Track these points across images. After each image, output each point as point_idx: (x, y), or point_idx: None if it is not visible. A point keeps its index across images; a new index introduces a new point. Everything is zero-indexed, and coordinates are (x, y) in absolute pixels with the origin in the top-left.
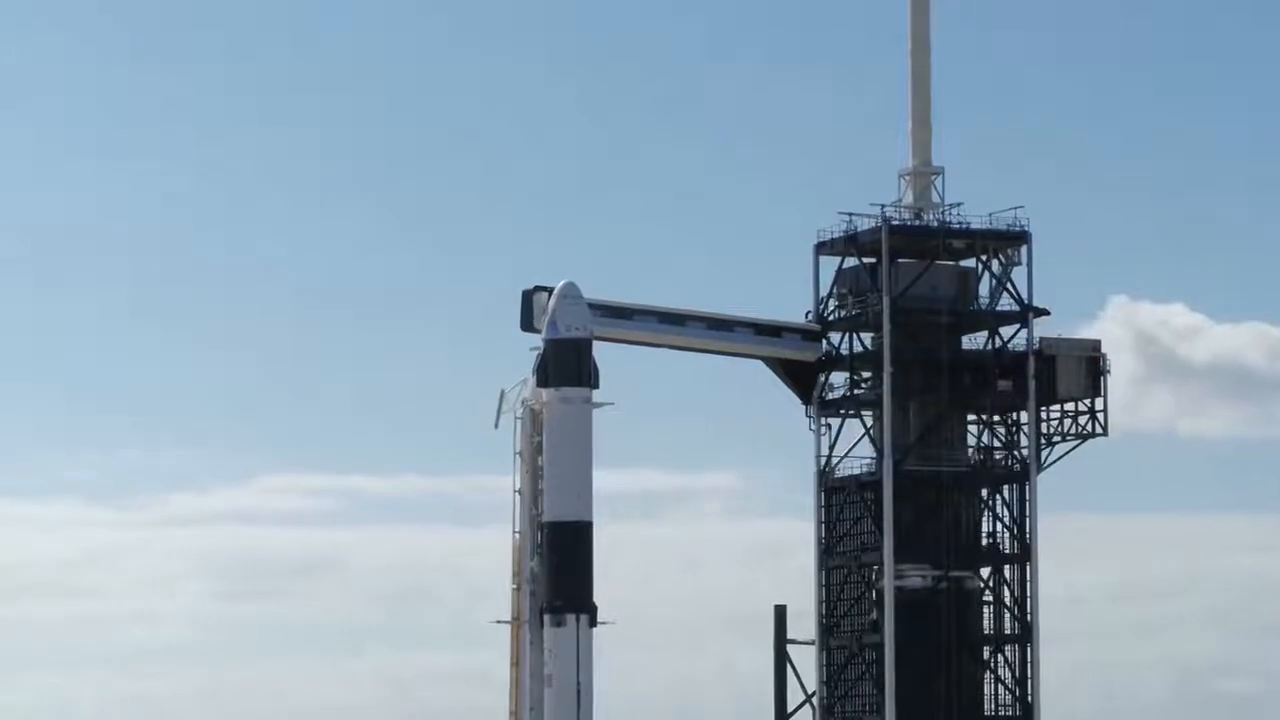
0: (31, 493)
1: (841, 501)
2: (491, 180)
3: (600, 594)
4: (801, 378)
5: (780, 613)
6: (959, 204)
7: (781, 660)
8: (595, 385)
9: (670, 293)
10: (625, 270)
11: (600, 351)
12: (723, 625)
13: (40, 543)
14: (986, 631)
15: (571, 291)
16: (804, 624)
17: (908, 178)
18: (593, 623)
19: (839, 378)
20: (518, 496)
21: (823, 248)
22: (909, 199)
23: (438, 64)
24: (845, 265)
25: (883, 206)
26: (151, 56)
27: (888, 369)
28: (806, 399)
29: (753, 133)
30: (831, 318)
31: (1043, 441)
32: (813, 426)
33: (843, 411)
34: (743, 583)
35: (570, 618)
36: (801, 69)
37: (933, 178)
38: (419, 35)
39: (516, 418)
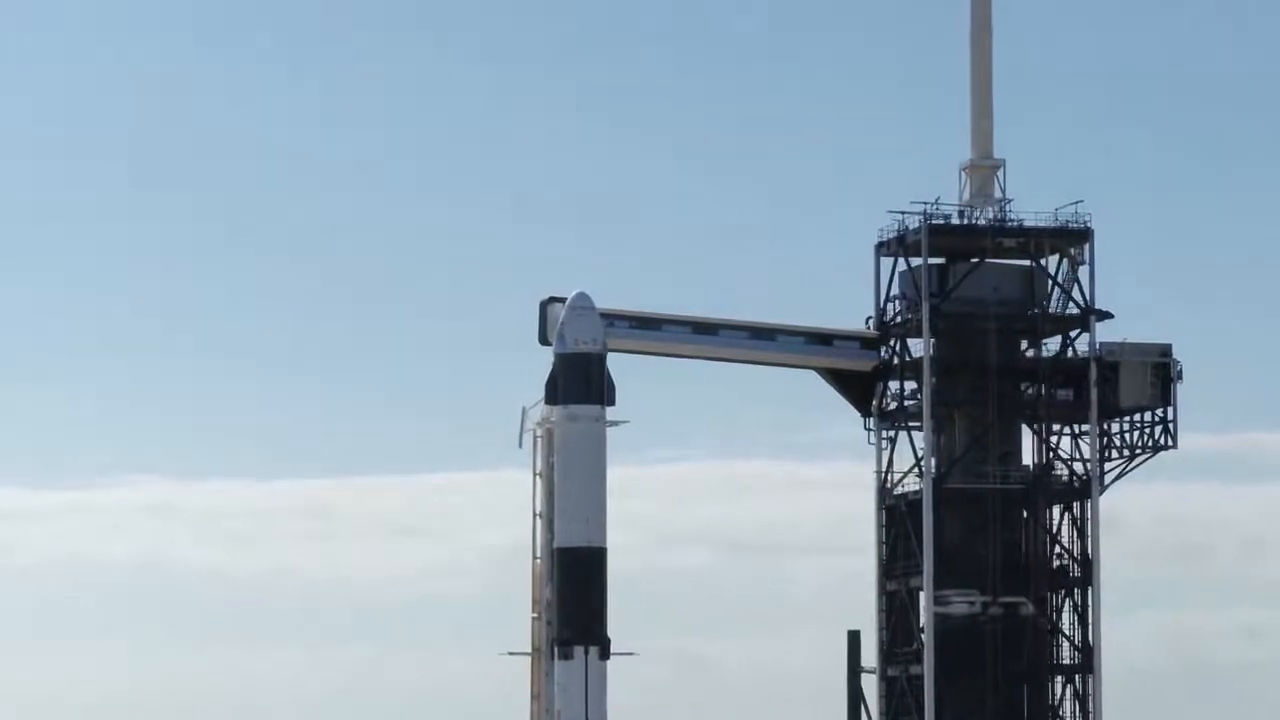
0: None
1: (896, 520)
2: (524, 184)
3: None
4: (858, 388)
5: (854, 638)
6: (1010, 200)
7: (855, 689)
8: (610, 402)
9: (728, 301)
10: (667, 279)
11: (630, 365)
12: None
13: None
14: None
15: (582, 303)
16: None
17: (967, 171)
18: (604, 655)
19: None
20: (538, 520)
21: (882, 248)
22: (968, 194)
23: (462, 63)
24: (906, 268)
25: (925, 204)
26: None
27: (928, 378)
28: (865, 410)
29: (815, 127)
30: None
31: (1108, 455)
32: (871, 440)
33: (896, 424)
34: None
35: (579, 650)
36: (864, 58)
37: (994, 171)
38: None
39: (537, 437)
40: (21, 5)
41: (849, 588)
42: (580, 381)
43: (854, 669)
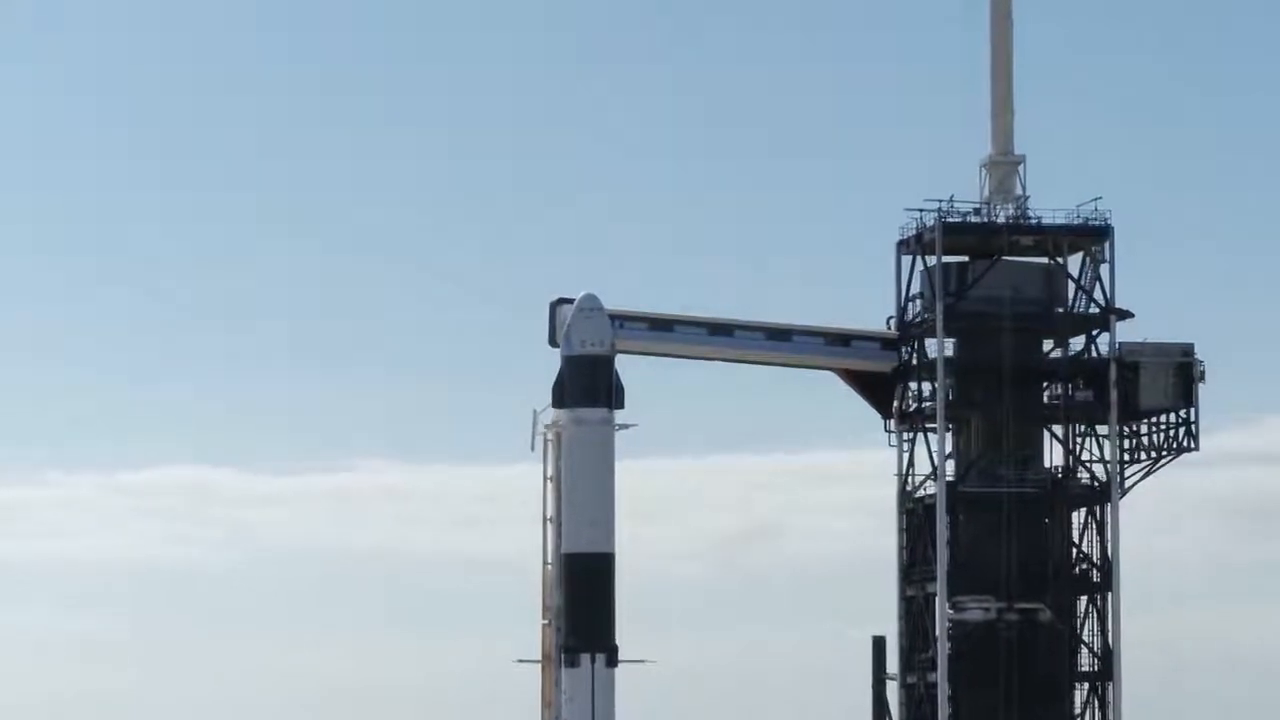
0: None
1: (916, 524)
2: (537, 185)
3: None
4: (878, 389)
5: (879, 644)
6: (1028, 196)
7: (880, 696)
8: (618, 405)
9: (747, 302)
10: (682, 279)
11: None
12: None
13: None
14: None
15: (589, 304)
16: None
17: (987, 167)
18: (611, 663)
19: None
20: (548, 525)
21: (903, 247)
22: (988, 191)
23: (469, 63)
24: (926, 267)
25: (940, 202)
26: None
27: (941, 379)
28: (885, 413)
29: (834, 123)
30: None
31: (1134, 457)
32: (892, 442)
33: (915, 427)
34: None
35: (585, 658)
36: (884, 53)
37: (1015, 167)
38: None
39: (548, 440)
40: (27, 5)
41: (870, 592)
42: (586, 384)
43: (879, 676)
